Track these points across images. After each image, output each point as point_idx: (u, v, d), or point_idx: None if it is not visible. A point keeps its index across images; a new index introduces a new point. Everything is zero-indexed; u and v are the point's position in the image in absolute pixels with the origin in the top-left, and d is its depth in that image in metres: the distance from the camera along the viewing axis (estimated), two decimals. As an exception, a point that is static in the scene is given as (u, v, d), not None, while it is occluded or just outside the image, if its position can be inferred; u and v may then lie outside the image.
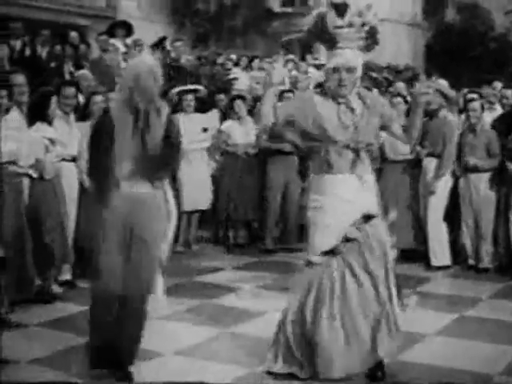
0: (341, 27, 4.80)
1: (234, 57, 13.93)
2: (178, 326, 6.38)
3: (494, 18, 24.23)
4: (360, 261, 4.70)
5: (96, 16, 19.16)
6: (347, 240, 4.71)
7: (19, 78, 7.29)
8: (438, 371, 5.21)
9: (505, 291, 7.45)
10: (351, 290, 4.67)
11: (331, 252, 4.72)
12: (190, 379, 5.06)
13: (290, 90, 10.10)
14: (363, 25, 4.81)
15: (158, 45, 12.69)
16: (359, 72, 4.81)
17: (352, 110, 4.80)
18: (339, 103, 4.80)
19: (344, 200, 4.70)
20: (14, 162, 6.70)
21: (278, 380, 4.85)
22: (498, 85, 9.29)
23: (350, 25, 4.79)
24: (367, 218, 4.75)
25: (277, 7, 23.25)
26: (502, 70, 20.75)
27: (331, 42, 4.81)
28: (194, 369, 5.32)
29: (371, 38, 4.88)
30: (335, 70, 4.75)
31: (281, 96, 9.53)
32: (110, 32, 13.23)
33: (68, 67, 11.28)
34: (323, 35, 4.86)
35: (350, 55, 4.75)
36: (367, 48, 4.90)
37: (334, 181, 4.74)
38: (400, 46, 22.66)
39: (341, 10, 4.83)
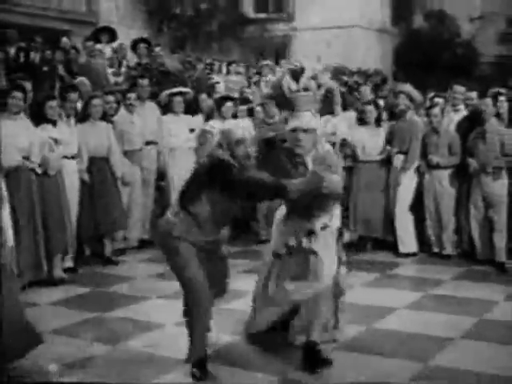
0: (297, 91, 5.37)
1: (216, 63, 14.58)
2: (175, 303, 7.14)
3: (459, 25, 24.80)
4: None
5: (77, 21, 19.51)
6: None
7: (27, 85, 8.10)
8: (404, 336, 6.08)
9: (466, 274, 8.28)
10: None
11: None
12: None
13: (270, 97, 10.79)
14: (319, 87, 5.40)
15: (135, 45, 13.21)
16: (318, 133, 5.36)
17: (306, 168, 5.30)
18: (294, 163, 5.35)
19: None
20: (27, 158, 7.47)
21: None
22: (461, 88, 9.98)
23: (306, 89, 5.39)
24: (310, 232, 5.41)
25: (251, 13, 23.79)
26: (469, 74, 21.57)
27: (289, 106, 5.36)
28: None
29: (330, 98, 5.46)
30: (293, 130, 5.28)
31: (262, 102, 10.31)
32: (95, 37, 13.88)
33: (59, 71, 11.91)
34: (281, 100, 5.47)
35: (308, 118, 5.30)
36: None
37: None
38: (370, 51, 23.29)
39: (296, 74, 5.40)
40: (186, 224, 5.11)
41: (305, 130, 5.27)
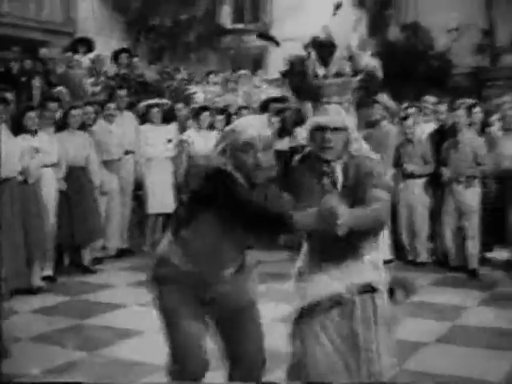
0: (325, 77, 3.88)
1: (194, 75, 14.67)
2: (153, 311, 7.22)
3: (434, 37, 25.02)
4: None
5: (55, 31, 19.48)
6: None
7: (9, 96, 8.20)
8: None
9: (440, 280, 8.45)
10: None
11: None
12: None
13: (245, 107, 10.95)
14: (356, 73, 3.90)
15: (117, 56, 13.32)
16: (350, 133, 3.81)
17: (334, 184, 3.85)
18: (321, 174, 3.88)
19: None
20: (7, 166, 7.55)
21: None
22: (431, 99, 10.22)
23: (338, 74, 3.87)
24: None
25: (228, 24, 23.92)
26: (444, 85, 21.81)
27: (312, 95, 3.92)
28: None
29: (371, 84, 3.97)
30: (316, 129, 3.81)
31: (237, 112, 10.44)
32: (73, 48, 13.96)
33: (36, 82, 11.94)
34: (301, 86, 3.97)
35: (338, 112, 3.81)
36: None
37: None
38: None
39: (324, 52, 3.87)
40: (178, 256, 3.88)
41: (334, 129, 3.77)
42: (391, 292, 4.05)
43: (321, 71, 3.91)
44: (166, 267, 3.91)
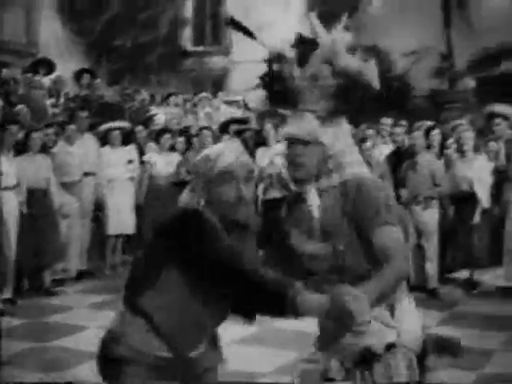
0: (302, 79, 3.24)
1: (158, 96, 14.74)
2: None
3: (392, 60, 25.32)
4: None
5: (17, 52, 19.43)
6: None
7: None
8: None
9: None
10: None
11: None
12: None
13: (208, 127, 11.02)
14: (336, 75, 3.20)
15: (79, 76, 13.33)
16: (327, 149, 3.14)
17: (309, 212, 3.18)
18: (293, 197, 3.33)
19: None
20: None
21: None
22: (388, 121, 10.42)
23: (314, 77, 3.19)
24: None
25: (189, 46, 24.01)
26: (402, 107, 22.09)
27: (288, 100, 3.30)
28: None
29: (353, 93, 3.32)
30: (288, 140, 3.21)
31: (199, 133, 10.50)
32: (33, 69, 13.90)
33: (-2, 103, 11.90)
34: (276, 88, 3.35)
35: (310, 122, 3.15)
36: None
37: None
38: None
39: (305, 53, 3.27)
40: (136, 332, 2.91)
41: (305, 143, 3.13)
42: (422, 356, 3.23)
43: (296, 72, 3.26)
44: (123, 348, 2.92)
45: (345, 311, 2.55)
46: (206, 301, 2.89)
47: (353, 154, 3.23)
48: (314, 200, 3.14)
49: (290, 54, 3.30)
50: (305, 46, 3.29)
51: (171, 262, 2.86)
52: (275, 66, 3.35)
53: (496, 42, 20.35)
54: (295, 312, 2.66)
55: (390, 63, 24.55)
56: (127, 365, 2.90)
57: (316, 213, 3.13)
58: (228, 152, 2.98)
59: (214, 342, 3.12)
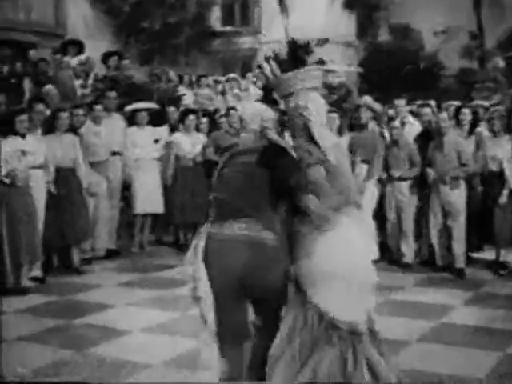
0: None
1: (188, 77, 14.77)
2: (141, 310, 7.33)
3: (424, 39, 25.13)
4: None
5: (45, 33, 19.52)
6: None
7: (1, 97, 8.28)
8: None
9: (426, 280, 8.53)
10: None
11: None
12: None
13: (233, 107, 11.02)
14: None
15: (107, 58, 13.43)
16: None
17: None
18: None
19: None
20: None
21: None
22: (401, 102, 10.40)
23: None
24: None
25: (218, 26, 23.97)
26: (433, 87, 21.94)
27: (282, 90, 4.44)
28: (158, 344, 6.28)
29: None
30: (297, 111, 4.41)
31: (227, 113, 10.51)
32: (63, 50, 13.99)
33: (27, 84, 12.00)
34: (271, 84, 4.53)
35: (315, 97, 4.46)
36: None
37: None
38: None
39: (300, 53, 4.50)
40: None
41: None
42: None
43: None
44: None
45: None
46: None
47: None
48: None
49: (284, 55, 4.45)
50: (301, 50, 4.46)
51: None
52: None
53: (527, 21, 20.08)
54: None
55: (422, 42, 24.39)
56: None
57: None
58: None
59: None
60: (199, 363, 5.68)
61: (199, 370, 5.57)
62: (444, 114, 8.93)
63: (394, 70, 22.90)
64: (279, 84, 4.41)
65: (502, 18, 21.73)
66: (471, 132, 9.35)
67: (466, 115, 9.36)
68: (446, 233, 8.86)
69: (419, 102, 10.23)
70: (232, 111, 10.34)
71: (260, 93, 13.55)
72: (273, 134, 4.40)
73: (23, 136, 8.14)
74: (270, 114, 4.47)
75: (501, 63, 19.65)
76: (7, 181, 7.82)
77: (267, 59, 4.50)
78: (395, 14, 25.94)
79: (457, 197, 8.75)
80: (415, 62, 24.12)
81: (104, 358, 5.89)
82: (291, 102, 4.37)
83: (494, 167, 8.83)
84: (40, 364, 5.73)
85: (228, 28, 24.14)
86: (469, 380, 5.37)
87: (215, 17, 23.90)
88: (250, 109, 4.57)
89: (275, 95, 4.54)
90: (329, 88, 17.76)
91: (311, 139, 4.33)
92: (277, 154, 4.31)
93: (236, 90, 13.83)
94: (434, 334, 6.48)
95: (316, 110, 4.38)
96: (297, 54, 4.45)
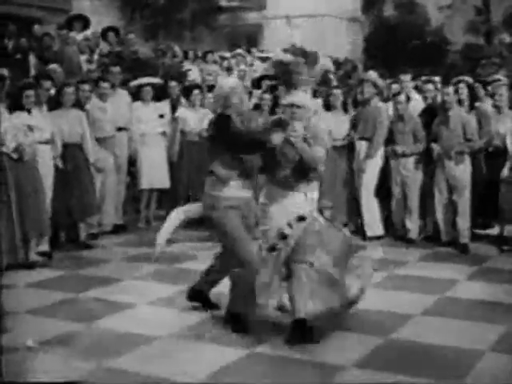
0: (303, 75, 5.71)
1: (192, 52, 14.81)
2: (147, 284, 7.43)
3: (429, 13, 25.07)
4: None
5: (50, 8, 19.53)
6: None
7: (5, 72, 8.30)
8: (365, 313, 6.29)
9: (430, 255, 8.61)
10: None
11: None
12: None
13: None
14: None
15: (105, 33, 13.47)
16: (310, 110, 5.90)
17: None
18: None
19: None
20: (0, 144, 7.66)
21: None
22: (407, 77, 10.45)
23: (312, 77, 5.74)
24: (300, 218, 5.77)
25: (223, 1, 23.94)
26: (438, 62, 21.92)
27: (291, 85, 5.75)
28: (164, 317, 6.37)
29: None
30: (289, 106, 5.81)
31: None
32: (68, 25, 14.00)
33: (32, 59, 12.04)
34: (286, 79, 5.90)
35: (303, 96, 6.08)
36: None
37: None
38: (340, 40, 23.56)
39: (311, 62, 5.65)
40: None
41: (298, 107, 5.76)
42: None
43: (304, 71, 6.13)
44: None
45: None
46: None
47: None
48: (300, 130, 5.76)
49: (287, 58, 5.91)
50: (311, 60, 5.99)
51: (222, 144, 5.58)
52: (280, 68, 6.04)
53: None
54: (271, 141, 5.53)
55: (426, 17, 24.35)
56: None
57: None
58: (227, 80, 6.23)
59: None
60: (204, 335, 5.81)
61: (204, 342, 5.67)
62: (450, 89, 8.93)
63: (399, 44, 22.88)
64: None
65: (508, -8, 21.66)
66: (472, 107, 9.38)
67: (463, 89, 9.37)
68: (451, 208, 8.90)
69: (424, 78, 10.22)
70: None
71: (264, 67, 13.61)
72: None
73: (29, 111, 8.19)
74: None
75: (507, 39, 19.59)
76: (15, 156, 7.86)
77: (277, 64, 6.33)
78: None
79: (462, 172, 8.79)
80: (421, 36, 24.06)
81: (111, 330, 5.98)
82: None
83: (498, 142, 8.85)
84: (47, 336, 5.81)
85: (234, 3, 24.09)
86: (472, 352, 5.42)
87: (221, -9, 23.86)
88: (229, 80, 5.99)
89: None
90: (335, 63, 17.79)
91: None
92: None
93: (242, 66, 13.85)
94: (437, 308, 6.55)
95: None
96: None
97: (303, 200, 5.82)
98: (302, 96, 6.01)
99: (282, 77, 6.02)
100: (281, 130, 5.57)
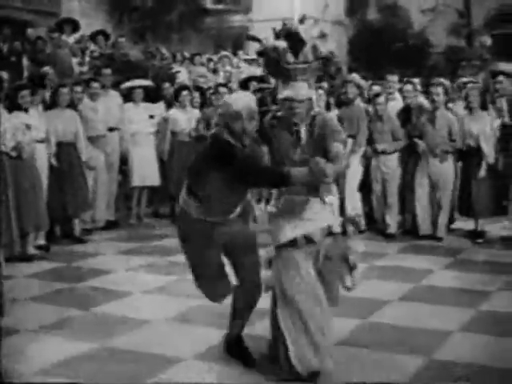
0: (295, 63, 4.95)
1: (180, 54, 15.16)
2: (139, 275, 7.91)
3: (412, 17, 25.44)
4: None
5: (40, 11, 19.77)
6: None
7: (4, 74, 8.72)
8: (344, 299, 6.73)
9: (408, 248, 9.07)
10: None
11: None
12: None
13: (224, 84, 11.44)
14: (317, 59, 5.03)
15: (95, 37, 13.84)
16: (311, 103, 5.05)
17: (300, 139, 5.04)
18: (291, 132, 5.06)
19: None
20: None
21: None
22: (394, 78, 10.86)
23: (305, 62, 4.96)
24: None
25: (210, 4, 24.29)
26: (422, 64, 22.35)
27: (284, 76, 5.00)
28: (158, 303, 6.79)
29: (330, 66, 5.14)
30: (285, 100, 4.99)
31: (215, 90, 10.90)
32: (59, 28, 14.35)
33: (26, 61, 12.39)
34: (275, 69, 5.05)
35: (304, 89, 4.97)
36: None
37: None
38: (324, 42, 23.89)
39: (296, 46, 4.95)
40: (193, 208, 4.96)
41: (299, 101, 4.99)
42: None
43: (291, 58, 4.97)
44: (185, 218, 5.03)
45: (320, 168, 4.51)
46: (232, 188, 4.82)
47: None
48: (304, 132, 5.06)
49: (280, 44, 4.99)
50: (292, 39, 4.97)
51: (213, 170, 4.75)
52: (271, 53, 5.00)
53: (513, -1, 20.39)
54: (288, 180, 4.62)
55: (409, 20, 24.76)
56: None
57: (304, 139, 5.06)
58: (240, 99, 4.93)
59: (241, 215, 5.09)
60: (199, 319, 6.22)
61: (199, 325, 6.09)
62: (439, 89, 9.32)
63: (383, 47, 23.26)
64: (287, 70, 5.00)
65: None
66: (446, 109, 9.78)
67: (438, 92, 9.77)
68: (433, 204, 9.36)
69: (405, 79, 10.63)
70: (221, 88, 10.76)
71: (250, 69, 13.99)
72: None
73: (26, 110, 8.60)
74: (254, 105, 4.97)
75: (488, 41, 20.01)
76: (14, 154, 8.25)
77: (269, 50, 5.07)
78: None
79: (446, 169, 9.24)
80: (404, 39, 24.45)
81: (109, 314, 6.41)
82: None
83: (471, 142, 9.27)
84: (46, 321, 6.22)
85: (220, 6, 24.42)
86: (443, 332, 5.87)
87: (207, -6, 24.14)
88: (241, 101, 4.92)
89: None
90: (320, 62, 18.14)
91: None
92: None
93: (228, 67, 14.20)
94: (413, 295, 7.00)
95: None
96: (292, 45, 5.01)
97: (322, 208, 5.04)
98: (301, 87, 4.98)
99: (275, 68, 5.04)
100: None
